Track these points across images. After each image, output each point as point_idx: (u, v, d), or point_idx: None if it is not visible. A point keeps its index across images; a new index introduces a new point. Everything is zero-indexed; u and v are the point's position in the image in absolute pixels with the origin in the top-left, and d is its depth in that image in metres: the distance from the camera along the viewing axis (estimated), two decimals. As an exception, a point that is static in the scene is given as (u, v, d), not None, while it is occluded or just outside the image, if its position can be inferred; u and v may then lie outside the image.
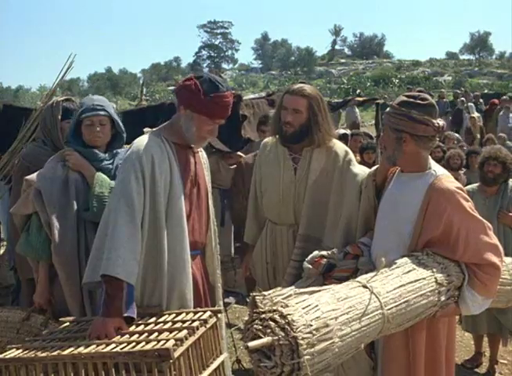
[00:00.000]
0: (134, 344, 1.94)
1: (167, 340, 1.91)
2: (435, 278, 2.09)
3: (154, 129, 2.41)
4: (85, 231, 2.67)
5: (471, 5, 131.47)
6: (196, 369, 2.02)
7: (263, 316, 1.71)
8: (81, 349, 1.96)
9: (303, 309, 1.73)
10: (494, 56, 49.44)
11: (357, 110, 13.24)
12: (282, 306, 1.73)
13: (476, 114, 12.20)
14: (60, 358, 1.95)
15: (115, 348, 1.94)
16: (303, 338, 1.63)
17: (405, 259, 2.15)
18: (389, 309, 1.90)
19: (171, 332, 2.00)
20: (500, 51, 50.39)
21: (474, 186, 3.98)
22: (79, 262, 2.64)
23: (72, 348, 1.98)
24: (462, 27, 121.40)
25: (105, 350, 1.94)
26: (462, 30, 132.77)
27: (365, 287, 1.93)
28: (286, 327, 1.64)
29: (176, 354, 1.87)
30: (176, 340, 1.91)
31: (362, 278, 2.01)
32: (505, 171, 3.83)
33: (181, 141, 2.38)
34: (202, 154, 2.58)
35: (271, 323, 1.67)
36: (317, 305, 1.76)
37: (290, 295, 1.85)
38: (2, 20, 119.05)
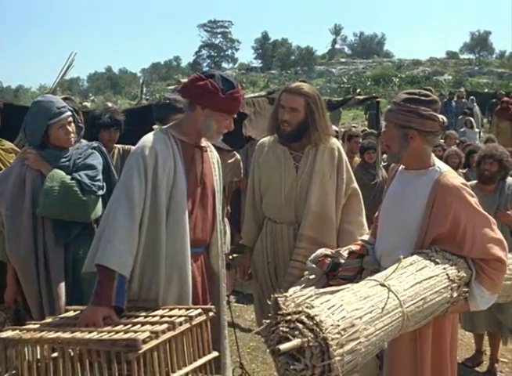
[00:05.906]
0: (111, 333, 1.96)
1: (143, 332, 1.92)
2: (447, 275, 2.07)
3: (163, 127, 2.45)
4: (44, 229, 2.66)
5: (471, 4, 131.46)
6: (175, 364, 2.01)
7: (289, 317, 1.68)
8: (60, 334, 2.01)
9: (328, 309, 1.70)
10: (494, 55, 49.45)
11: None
12: (307, 307, 1.70)
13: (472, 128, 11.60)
14: (42, 341, 2.01)
15: (94, 335, 1.96)
16: (332, 339, 1.61)
17: (416, 256, 2.13)
18: (408, 307, 1.89)
19: (152, 325, 2.01)
20: (500, 50, 50.41)
21: (472, 183, 3.97)
22: (36, 262, 2.63)
23: (53, 332, 2.03)
24: (462, 27, 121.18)
25: (79, 336, 1.96)
26: (462, 30, 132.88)
27: (382, 285, 1.90)
28: (315, 328, 1.61)
29: (147, 346, 1.87)
30: (152, 332, 1.92)
31: (378, 276, 1.99)
32: (502, 169, 3.84)
33: (188, 140, 2.41)
34: (213, 154, 2.59)
35: (298, 324, 1.63)
36: (341, 305, 1.73)
37: (311, 296, 1.83)
38: (2, 19, 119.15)
